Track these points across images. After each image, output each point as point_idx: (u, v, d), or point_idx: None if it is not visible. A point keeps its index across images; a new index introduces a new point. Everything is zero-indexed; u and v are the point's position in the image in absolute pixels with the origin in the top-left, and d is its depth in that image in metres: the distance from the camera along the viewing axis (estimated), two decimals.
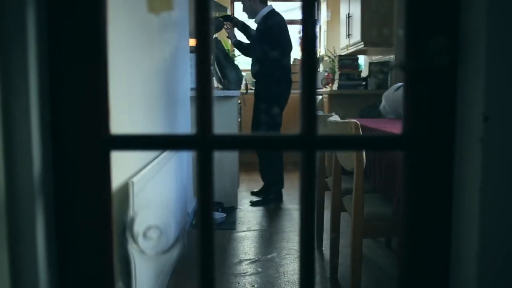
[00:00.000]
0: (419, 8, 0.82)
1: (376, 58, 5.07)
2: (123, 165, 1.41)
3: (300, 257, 0.79)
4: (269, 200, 3.82)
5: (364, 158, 1.85)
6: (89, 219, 0.84)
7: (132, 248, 1.17)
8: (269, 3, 3.86)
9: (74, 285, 0.84)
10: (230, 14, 3.94)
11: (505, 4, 0.74)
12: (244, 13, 3.92)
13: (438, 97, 0.83)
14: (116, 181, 1.16)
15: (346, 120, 1.91)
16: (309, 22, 0.78)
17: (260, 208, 3.71)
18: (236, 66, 3.83)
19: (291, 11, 6.27)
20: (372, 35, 4.42)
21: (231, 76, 3.69)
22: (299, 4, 0.79)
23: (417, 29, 0.82)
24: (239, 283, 2.25)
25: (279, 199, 3.87)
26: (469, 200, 0.80)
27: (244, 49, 3.90)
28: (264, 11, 3.76)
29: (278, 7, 3.97)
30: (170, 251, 1.37)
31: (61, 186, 0.83)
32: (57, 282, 0.83)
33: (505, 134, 0.76)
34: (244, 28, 3.92)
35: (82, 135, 0.83)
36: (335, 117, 2.18)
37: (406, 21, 0.82)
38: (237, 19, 3.95)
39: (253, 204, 3.79)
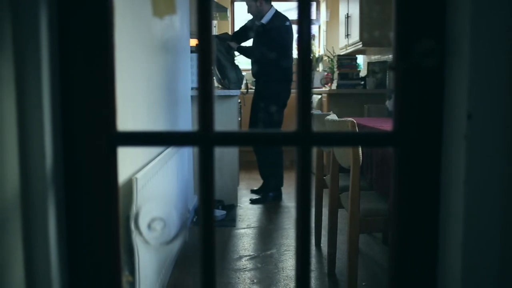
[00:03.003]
0: (407, 12, 0.87)
1: (374, 57, 5.12)
2: (127, 162, 1.46)
3: (296, 246, 0.85)
4: (268, 198, 3.87)
5: (361, 156, 1.90)
6: (97, 210, 0.89)
7: (136, 239, 1.22)
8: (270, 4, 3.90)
9: (84, 272, 0.89)
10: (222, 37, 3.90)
11: (488, 8, 0.79)
12: (249, 14, 3.94)
13: (426, 96, 0.88)
14: (121, 177, 1.21)
15: (343, 119, 1.96)
16: (304, 24, 0.83)
17: (260, 205, 3.76)
18: (237, 66, 3.88)
19: (291, 11, 6.32)
20: (371, 35, 4.47)
21: (231, 76, 3.74)
22: None
23: (406, 31, 0.87)
24: (238, 278, 2.30)
25: (278, 197, 3.92)
26: (454, 192, 0.85)
27: (246, 52, 3.94)
28: (270, 13, 3.79)
29: (278, 7, 4.00)
30: (172, 242, 1.42)
31: (71, 180, 0.88)
32: (67, 268, 0.88)
33: (487, 130, 0.81)
34: (240, 47, 3.94)
35: (91, 131, 0.88)
36: (332, 116, 2.23)
37: (395, 24, 0.88)
38: (229, 40, 3.92)
39: (252, 202, 3.84)
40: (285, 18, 3.81)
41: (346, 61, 4.83)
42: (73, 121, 0.87)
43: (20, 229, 0.82)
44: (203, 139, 0.83)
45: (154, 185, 1.64)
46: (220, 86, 3.83)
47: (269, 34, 3.73)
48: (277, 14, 3.82)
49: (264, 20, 3.79)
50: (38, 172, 0.82)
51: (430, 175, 0.90)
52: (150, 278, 1.42)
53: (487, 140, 0.81)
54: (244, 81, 4.05)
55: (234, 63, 3.89)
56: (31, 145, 0.82)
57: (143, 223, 1.18)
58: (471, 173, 0.82)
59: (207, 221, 0.84)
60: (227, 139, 0.90)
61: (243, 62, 6.26)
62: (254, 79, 3.96)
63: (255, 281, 2.28)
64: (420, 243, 0.91)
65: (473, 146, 0.81)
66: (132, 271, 1.21)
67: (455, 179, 0.85)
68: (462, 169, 0.82)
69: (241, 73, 3.87)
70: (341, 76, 4.77)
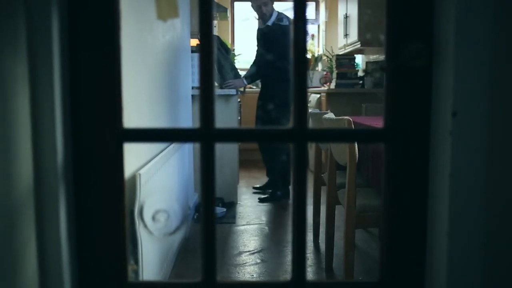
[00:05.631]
0: (398, 15, 0.92)
1: (373, 57, 5.17)
2: (130, 159, 1.51)
3: (293, 233, 0.90)
4: (277, 197, 3.88)
5: (357, 153, 1.96)
6: (104, 203, 0.94)
7: (140, 231, 1.28)
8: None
9: (92, 261, 0.94)
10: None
11: (471, 13, 0.85)
12: (260, 19, 3.90)
13: (415, 95, 0.94)
14: (125, 173, 1.27)
15: (340, 117, 2.01)
16: (300, 25, 0.88)
17: (260, 203, 3.81)
18: (234, 67, 3.93)
19: (289, 11, 6.36)
20: (369, 35, 4.52)
21: (229, 76, 3.80)
22: None
23: (396, 34, 0.92)
24: (238, 272, 2.36)
25: (286, 195, 3.91)
26: (441, 185, 0.90)
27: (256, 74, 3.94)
28: (274, 15, 3.81)
29: (276, 7, 4.03)
30: (174, 233, 1.48)
31: (80, 174, 0.94)
32: (77, 257, 0.93)
33: (470, 127, 0.86)
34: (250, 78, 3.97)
35: (99, 128, 0.93)
36: (330, 115, 2.28)
37: (387, 26, 0.93)
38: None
39: (261, 200, 3.85)
40: (286, 18, 3.84)
41: (345, 61, 4.88)
42: (82, 119, 0.93)
43: (33, 220, 0.87)
44: (204, 135, 0.88)
45: (157, 181, 1.69)
46: (218, 85, 3.88)
47: (274, 35, 3.74)
48: (280, 15, 3.84)
49: (270, 22, 3.81)
50: (50, 167, 0.88)
51: (419, 169, 0.95)
52: (153, 268, 1.47)
53: (471, 136, 0.87)
54: None
55: (233, 64, 3.95)
56: (44, 141, 0.87)
57: (147, 215, 1.23)
58: (456, 167, 0.87)
59: (208, 210, 0.90)
60: (227, 135, 0.95)
61: (243, 62, 6.32)
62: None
63: (254, 275, 2.33)
64: (410, 231, 0.96)
65: (457, 141, 0.87)
66: (136, 261, 1.27)
67: (441, 172, 0.90)
68: (447, 163, 0.88)
69: (238, 73, 3.92)
70: (340, 76, 4.82)
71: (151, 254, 1.48)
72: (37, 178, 0.87)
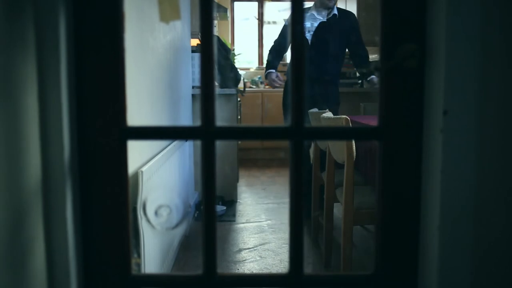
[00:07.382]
0: (391, 17, 0.95)
1: (372, 57, 5.20)
2: (132, 157, 1.55)
3: (290, 225, 0.94)
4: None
5: (354, 151, 1.99)
6: (109, 197, 0.98)
7: (142, 226, 1.32)
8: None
9: (97, 255, 0.98)
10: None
11: (462, 16, 0.88)
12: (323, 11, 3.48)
13: (407, 94, 0.97)
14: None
15: (338, 116, 2.05)
16: (298, 24, 0.92)
17: (259, 202, 3.84)
18: (234, 67, 3.97)
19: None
20: (368, 35, 4.55)
21: (227, 75, 3.84)
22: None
23: (390, 35, 0.95)
24: (238, 269, 2.39)
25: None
26: (432, 181, 0.94)
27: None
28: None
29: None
30: (176, 227, 1.51)
31: (86, 170, 0.97)
32: (82, 250, 0.97)
33: (461, 125, 0.90)
34: None
35: (103, 126, 0.97)
36: (328, 114, 2.32)
37: (381, 28, 0.96)
38: None
39: None
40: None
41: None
42: (88, 117, 0.96)
43: (41, 215, 0.91)
44: (205, 133, 0.91)
45: (158, 178, 1.73)
46: (218, 85, 3.92)
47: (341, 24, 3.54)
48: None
49: (334, 11, 3.51)
50: (57, 163, 0.91)
51: (412, 165, 0.98)
52: (155, 262, 1.51)
53: (461, 133, 0.90)
54: (243, 81, 4.13)
55: (233, 64, 3.99)
56: (51, 139, 0.91)
57: (150, 210, 1.27)
58: (447, 163, 0.91)
59: (209, 200, 0.93)
60: (227, 133, 0.99)
61: (242, 61, 6.35)
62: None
63: (254, 272, 2.37)
64: (403, 225, 1.00)
65: (448, 139, 0.90)
66: (139, 255, 1.31)
67: (433, 168, 0.94)
68: (439, 159, 0.91)
69: (238, 73, 3.97)
70: None
71: (153, 249, 1.52)
72: (45, 174, 0.91)
